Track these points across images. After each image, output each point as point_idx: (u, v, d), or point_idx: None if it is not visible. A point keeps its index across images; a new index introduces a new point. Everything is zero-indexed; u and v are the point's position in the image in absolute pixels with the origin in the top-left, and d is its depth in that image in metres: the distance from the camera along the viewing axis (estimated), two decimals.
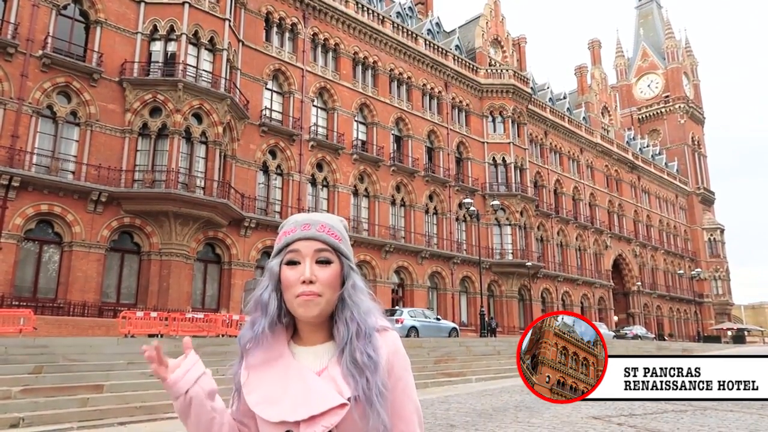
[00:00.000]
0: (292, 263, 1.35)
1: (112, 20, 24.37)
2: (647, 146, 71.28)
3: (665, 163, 71.58)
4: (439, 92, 40.39)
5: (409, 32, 39.08)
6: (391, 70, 37.15)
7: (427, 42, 40.21)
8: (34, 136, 22.03)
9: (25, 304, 19.48)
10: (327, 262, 1.35)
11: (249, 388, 1.35)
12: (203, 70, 25.35)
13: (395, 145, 36.84)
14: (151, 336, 17.19)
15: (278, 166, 30.07)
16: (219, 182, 25.36)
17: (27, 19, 22.10)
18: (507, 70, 44.21)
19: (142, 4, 25.09)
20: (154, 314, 18.20)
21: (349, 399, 1.26)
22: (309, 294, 1.31)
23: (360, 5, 35.88)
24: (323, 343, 1.38)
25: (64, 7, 23.66)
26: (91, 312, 21.49)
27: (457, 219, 39.39)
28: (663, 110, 78.40)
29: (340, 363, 1.31)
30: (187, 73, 24.53)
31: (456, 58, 42.13)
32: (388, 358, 1.34)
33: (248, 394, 1.34)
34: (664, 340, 51.36)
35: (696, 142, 78.22)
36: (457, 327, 28.37)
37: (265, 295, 1.37)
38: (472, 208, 31.09)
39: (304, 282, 1.31)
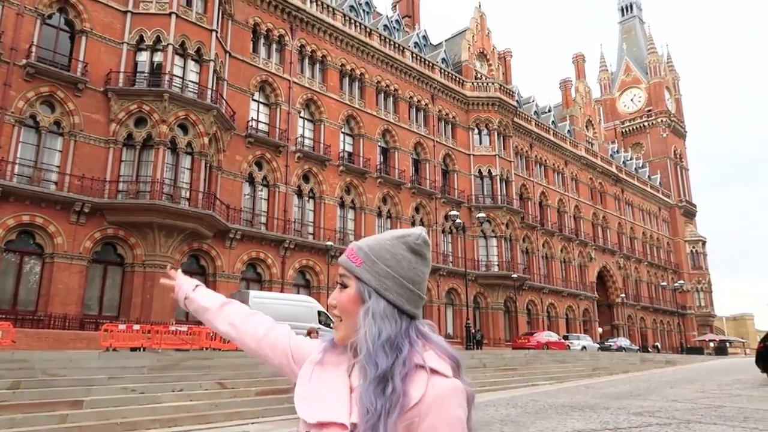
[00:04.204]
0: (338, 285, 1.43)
1: (97, 30, 24.22)
2: (630, 159, 72.21)
3: (648, 176, 72.53)
4: (426, 105, 40.63)
5: (396, 45, 39.34)
6: (378, 82, 37.32)
7: (414, 55, 40.49)
8: (17, 146, 21.75)
9: (4, 316, 19.10)
10: (344, 286, 1.37)
11: (301, 380, 1.39)
12: (190, 80, 25.27)
13: (382, 156, 36.92)
14: (133, 349, 16.94)
15: (264, 178, 29.97)
16: (204, 193, 25.20)
17: (11, 28, 21.89)
18: (493, 84, 44.62)
19: (129, 15, 24.99)
20: (136, 327, 17.94)
21: (353, 424, 1.23)
22: (334, 317, 1.39)
23: (347, 18, 36.08)
24: None
25: (49, 17, 23.49)
26: (72, 325, 21.14)
27: (443, 231, 39.48)
28: (646, 124, 79.55)
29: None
30: (174, 83, 24.43)
31: (442, 71, 42.44)
32: (418, 404, 1.19)
33: (299, 384, 1.38)
34: (648, 351, 51.69)
35: (678, 156, 79.39)
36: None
37: None
38: (458, 221, 31.20)
39: (330, 306, 1.40)
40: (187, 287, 1.81)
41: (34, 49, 22.27)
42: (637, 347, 49.35)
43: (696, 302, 72.18)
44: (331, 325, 1.42)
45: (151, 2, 25.41)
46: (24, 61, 21.77)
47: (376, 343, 1.26)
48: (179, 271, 1.92)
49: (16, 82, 21.75)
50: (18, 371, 11.36)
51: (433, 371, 1.22)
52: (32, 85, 22.16)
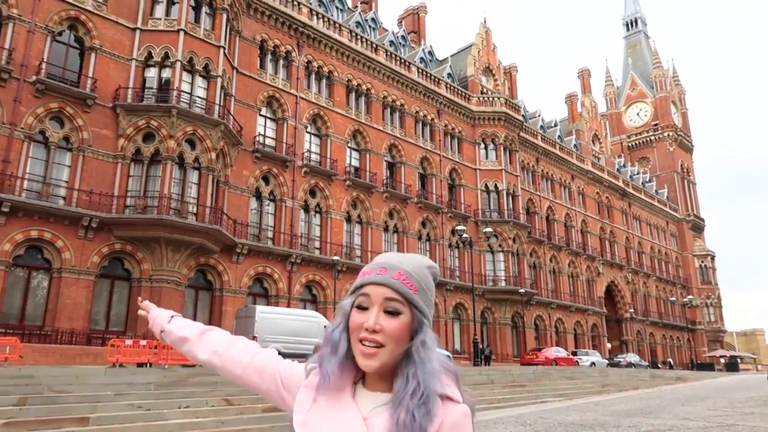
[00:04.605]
0: (361, 307, 1.32)
1: (107, 47, 24.48)
2: (637, 173, 72.01)
3: (655, 191, 72.24)
4: (432, 119, 40.73)
5: (402, 60, 39.56)
6: (384, 97, 37.48)
7: (420, 70, 40.68)
8: (26, 161, 21.91)
9: (11, 331, 19.12)
10: (396, 312, 1.30)
11: (299, 407, 1.34)
12: (197, 96, 25.44)
13: (388, 171, 36.96)
14: (140, 365, 16.88)
15: (271, 192, 30.03)
16: (211, 208, 25.25)
17: (22, 45, 22.15)
18: (499, 98, 44.73)
19: (138, 31, 25.27)
20: (143, 342, 17.86)
21: None
22: (371, 342, 1.28)
23: (353, 34, 36.35)
24: (385, 392, 1.31)
25: (59, 34, 23.76)
26: (79, 340, 21.11)
27: (450, 245, 39.35)
28: (652, 138, 79.43)
29: (389, 415, 1.25)
30: (181, 99, 24.60)
31: (448, 86, 42.61)
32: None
33: (297, 411, 1.34)
34: (658, 367, 51.10)
35: (685, 170, 79.11)
36: (450, 355, 28.05)
37: (335, 334, 1.35)
38: (465, 235, 31.09)
39: (367, 329, 1.28)
40: (161, 319, 1.72)
41: (44, 65, 22.52)
42: (647, 363, 48.76)
43: (706, 317, 71.45)
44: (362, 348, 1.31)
45: (160, 19, 25.70)
46: (34, 78, 21.99)
47: (436, 374, 1.26)
48: (150, 303, 1.84)
49: (26, 98, 21.95)
50: (25, 387, 11.32)
51: (447, 398, 1.25)
52: (42, 101, 22.36)
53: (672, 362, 58.81)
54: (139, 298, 1.91)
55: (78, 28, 24.25)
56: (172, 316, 1.73)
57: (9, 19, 22.09)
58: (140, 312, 1.82)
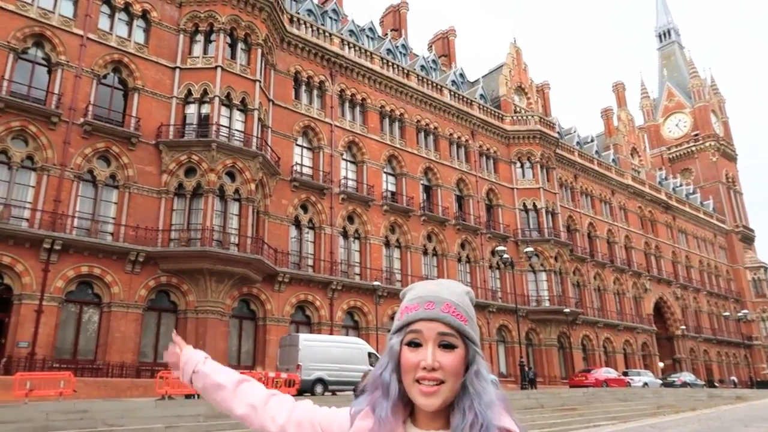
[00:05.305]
0: (413, 344, 1.27)
1: (149, 86, 25.41)
2: (680, 186, 70.12)
3: (700, 202, 70.11)
4: (466, 141, 40.69)
5: (434, 84, 39.80)
6: (418, 121, 37.68)
7: (452, 92, 40.83)
8: (75, 199, 22.74)
9: (65, 366, 19.63)
10: (451, 346, 1.26)
11: None
12: (235, 129, 26.07)
13: (425, 194, 36.94)
14: (188, 397, 17.05)
15: (310, 220, 30.32)
16: (252, 238, 25.62)
17: (70, 89, 23.19)
18: (532, 116, 44.44)
19: (177, 70, 26.17)
20: None
21: None
22: (430, 381, 1.23)
23: (385, 61, 36.81)
24: (440, 430, 1.27)
25: (104, 77, 24.81)
26: (128, 372, 21.52)
27: (490, 267, 38.87)
28: (693, 149, 77.46)
29: None
30: (220, 133, 25.24)
31: (481, 106, 42.60)
32: None
33: None
34: (715, 386, 48.90)
35: (730, 180, 76.69)
36: (497, 380, 27.51)
37: (386, 376, 1.29)
38: (505, 256, 30.68)
39: (425, 368, 1.23)
40: (197, 358, 1.59)
41: (90, 107, 23.49)
42: (703, 382, 46.76)
43: (763, 332, 68.26)
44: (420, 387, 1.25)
45: (198, 57, 26.59)
46: (82, 120, 22.95)
47: (493, 405, 1.22)
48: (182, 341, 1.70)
49: (75, 139, 22.89)
50: (80, 421, 11.55)
51: (505, 430, 1.21)
52: (89, 142, 23.27)
53: (736, 380, 56.22)
54: (174, 333, 1.76)
55: (121, 70, 25.27)
56: (206, 357, 1.61)
57: (58, 65, 23.22)
58: (170, 349, 1.65)
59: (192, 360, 1.59)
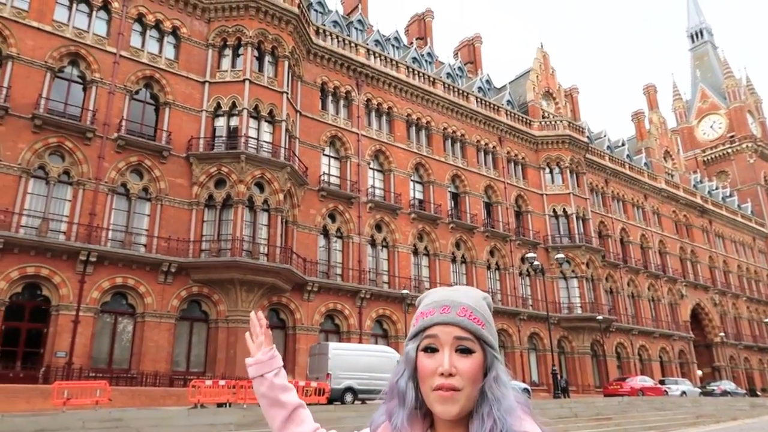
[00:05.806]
0: (429, 350, 1.25)
1: (179, 101, 25.99)
2: (716, 189, 68.31)
3: (738, 205, 68.09)
4: (494, 147, 40.44)
5: (460, 91, 39.72)
6: (445, 128, 37.62)
7: (479, 99, 40.68)
8: (110, 212, 23.33)
9: (101, 375, 20.09)
10: (468, 351, 1.23)
11: None
12: (264, 141, 26.45)
13: (452, 202, 36.81)
14: (219, 405, 17.25)
15: (338, 229, 30.49)
16: (281, 248, 25.88)
17: (104, 105, 23.88)
18: (561, 121, 43.94)
19: (207, 84, 26.72)
20: (222, 382, 18.28)
21: None
22: (447, 389, 1.20)
23: (411, 69, 36.92)
24: None
25: (137, 92, 25.48)
26: (162, 381, 21.90)
27: (520, 274, 38.43)
28: (729, 151, 75.44)
29: None
30: (249, 144, 25.64)
31: (508, 112, 42.32)
32: None
33: None
34: (757, 395, 47.26)
35: None
36: (529, 388, 27.16)
37: (402, 383, 1.27)
38: (536, 262, 30.30)
39: (442, 374, 1.20)
40: (272, 365, 1.57)
41: (123, 122, 24.14)
42: (744, 391, 45.25)
43: None
44: (435, 392, 1.22)
45: (227, 71, 27.11)
46: (115, 135, 23.60)
47: (513, 411, 1.20)
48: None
49: (109, 154, 23.54)
50: (115, 429, 11.79)
51: None
52: (123, 156, 23.89)
53: None
54: (259, 313, 1.69)
55: (153, 85, 25.92)
56: (280, 368, 1.58)
57: (92, 82, 23.95)
58: (252, 331, 1.64)
59: (268, 364, 1.57)
